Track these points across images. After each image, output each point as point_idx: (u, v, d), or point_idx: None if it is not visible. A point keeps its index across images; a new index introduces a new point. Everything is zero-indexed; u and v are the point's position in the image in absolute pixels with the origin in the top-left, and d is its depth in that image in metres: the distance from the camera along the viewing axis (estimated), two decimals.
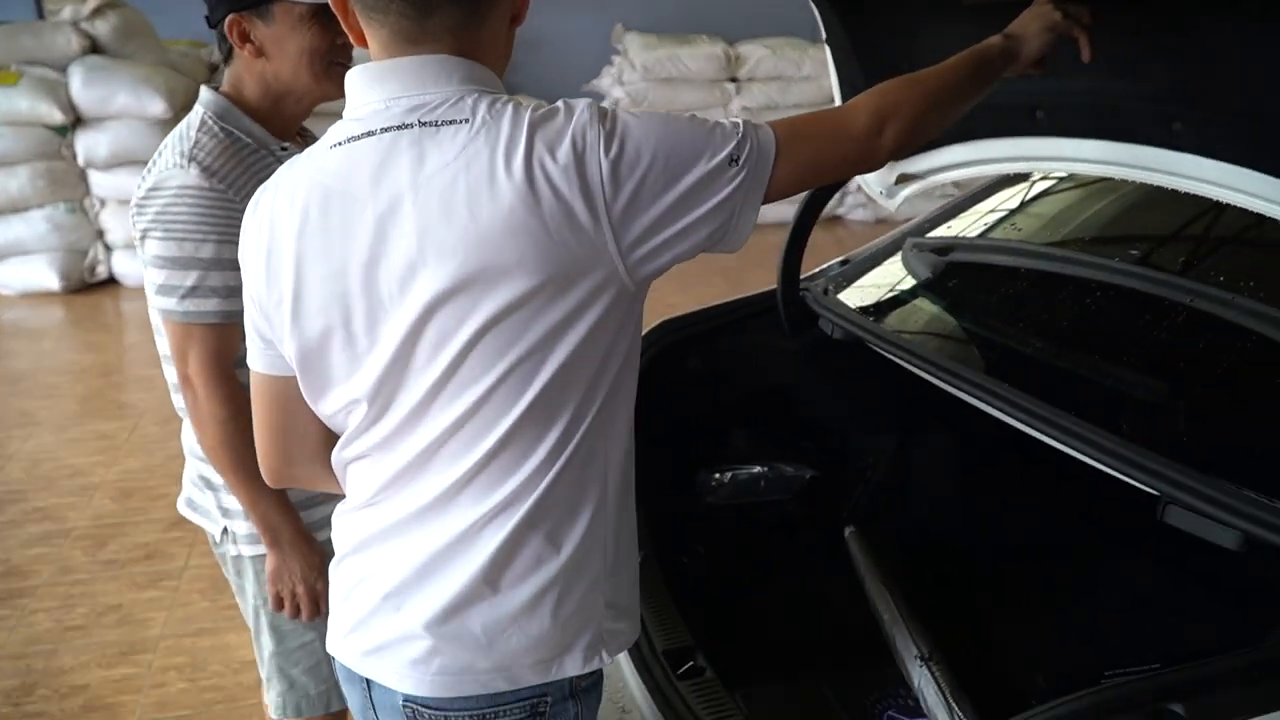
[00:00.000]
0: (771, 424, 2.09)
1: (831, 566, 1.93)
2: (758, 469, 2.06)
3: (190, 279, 1.43)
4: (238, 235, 1.17)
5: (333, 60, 1.44)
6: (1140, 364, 1.49)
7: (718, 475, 2.04)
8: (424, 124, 1.01)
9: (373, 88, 1.05)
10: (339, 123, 1.07)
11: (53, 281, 6.06)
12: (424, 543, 1.10)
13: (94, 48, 6.21)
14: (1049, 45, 1.28)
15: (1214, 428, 1.38)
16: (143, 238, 1.47)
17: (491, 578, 1.08)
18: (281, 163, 1.38)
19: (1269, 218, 1.26)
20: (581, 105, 1.02)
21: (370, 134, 1.02)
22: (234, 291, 1.42)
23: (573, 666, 1.13)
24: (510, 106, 1.02)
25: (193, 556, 3.30)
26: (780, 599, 1.93)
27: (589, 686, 1.18)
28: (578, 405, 1.06)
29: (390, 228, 1.00)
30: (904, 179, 1.97)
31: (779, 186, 1.08)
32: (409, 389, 1.05)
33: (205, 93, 1.51)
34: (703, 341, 1.99)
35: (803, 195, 1.84)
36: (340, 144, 1.05)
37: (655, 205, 1.00)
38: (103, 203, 6.22)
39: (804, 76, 7.53)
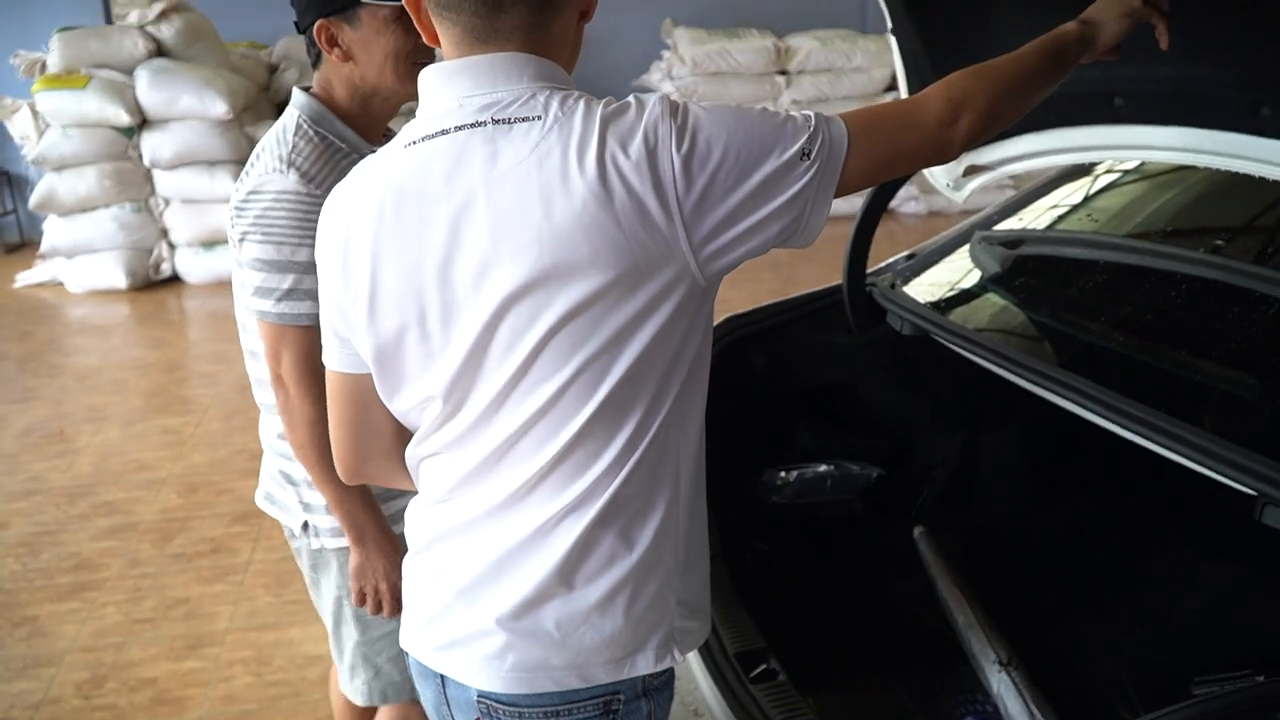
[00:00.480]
0: (837, 421, 2.06)
1: (901, 567, 1.90)
2: (824, 467, 2.03)
3: (287, 282, 1.46)
4: None
5: (416, 61, 1.45)
6: (1230, 359, 1.43)
7: (783, 474, 2.01)
8: (497, 121, 1.01)
9: (445, 86, 1.05)
10: (412, 121, 1.07)
11: (119, 279, 6.22)
12: (498, 539, 1.09)
13: (159, 50, 6.37)
14: (1126, 31, 1.24)
15: None
16: (241, 240, 1.49)
17: (565, 574, 1.08)
18: None
19: None
20: (653, 100, 1.02)
21: (444, 132, 1.03)
22: None
23: (645, 665, 1.12)
24: (582, 103, 1.01)
25: (257, 551, 3.35)
26: (850, 600, 1.90)
27: (661, 685, 1.17)
28: (650, 402, 1.05)
29: (464, 225, 1.00)
30: (972, 170, 1.92)
31: (851, 180, 1.06)
32: (483, 386, 1.05)
33: (299, 95, 1.53)
34: (768, 338, 1.96)
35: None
36: (414, 143, 1.05)
37: (727, 200, 0.99)
38: (167, 202, 6.38)
39: (854, 68, 7.46)
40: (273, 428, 1.64)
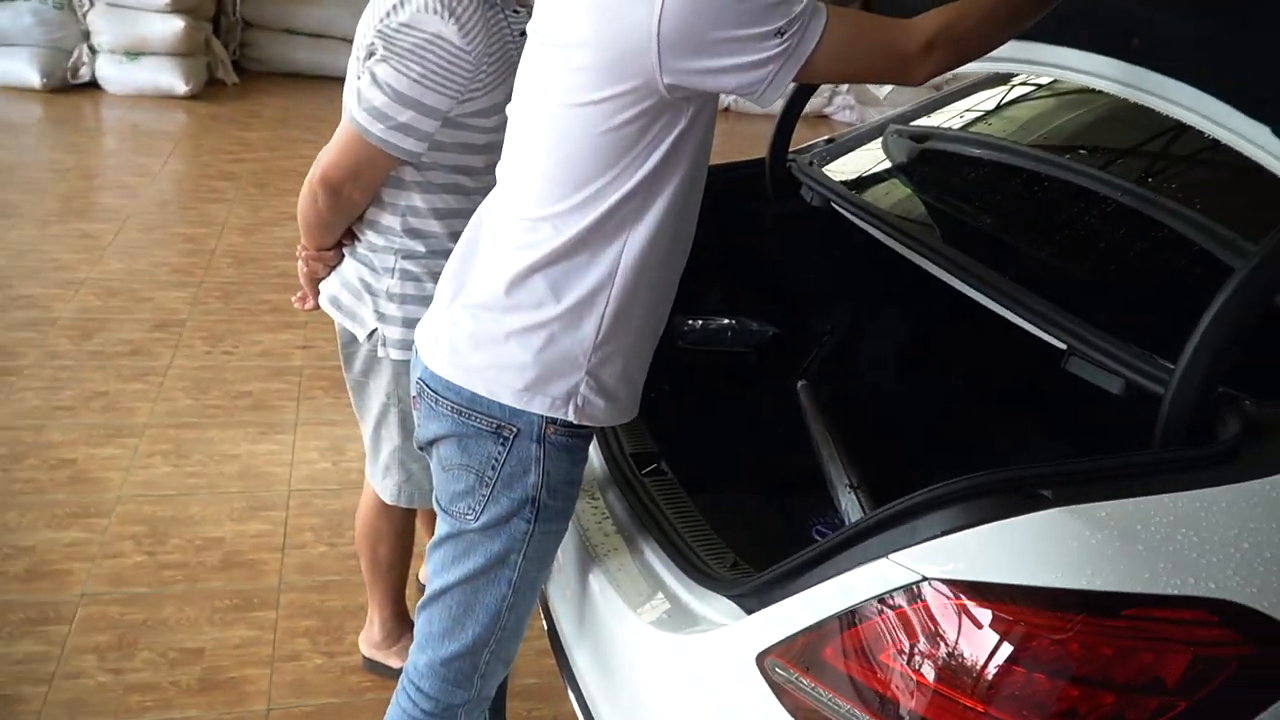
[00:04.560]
0: (745, 282, 2.28)
1: (783, 414, 2.15)
2: (727, 321, 2.25)
3: (405, 116, 1.52)
4: (461, 93, 1.50)
5: None
6: (1068, 242, 1.69)
7: (690, 321, 2.23)
8: None
9: None
10: None
11: (33, 77, 5.98)
12: (478, 243, 1.38)
13: None
14: None
15: (1115, 296, 1.60)
16: (379, 59, 1.53)
17: (506, 295, 1.30)
18: (511, 26, 1.56)
19: (1194, 129, 1.45)
20: None
21: None
22: (427, 137, 1.56)
23: (541, 405, 1.32)
24: None
25: (177, 357, 3.44)
26: (735, 432, 2.15)
27: (558, 443, 1.35)
28: (606, 182, 1.24)
29: None
30: None
31: (815, 72, 1.21)
32: (522, 108, 1.34)
33: None
34: None
35: None
36: None
37: (701, 38, 1.16)
38: (92, 2, 6.08)
39: None
40: (365, 240, 1.73)
